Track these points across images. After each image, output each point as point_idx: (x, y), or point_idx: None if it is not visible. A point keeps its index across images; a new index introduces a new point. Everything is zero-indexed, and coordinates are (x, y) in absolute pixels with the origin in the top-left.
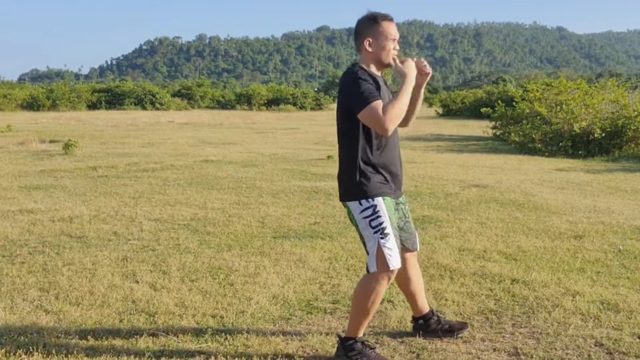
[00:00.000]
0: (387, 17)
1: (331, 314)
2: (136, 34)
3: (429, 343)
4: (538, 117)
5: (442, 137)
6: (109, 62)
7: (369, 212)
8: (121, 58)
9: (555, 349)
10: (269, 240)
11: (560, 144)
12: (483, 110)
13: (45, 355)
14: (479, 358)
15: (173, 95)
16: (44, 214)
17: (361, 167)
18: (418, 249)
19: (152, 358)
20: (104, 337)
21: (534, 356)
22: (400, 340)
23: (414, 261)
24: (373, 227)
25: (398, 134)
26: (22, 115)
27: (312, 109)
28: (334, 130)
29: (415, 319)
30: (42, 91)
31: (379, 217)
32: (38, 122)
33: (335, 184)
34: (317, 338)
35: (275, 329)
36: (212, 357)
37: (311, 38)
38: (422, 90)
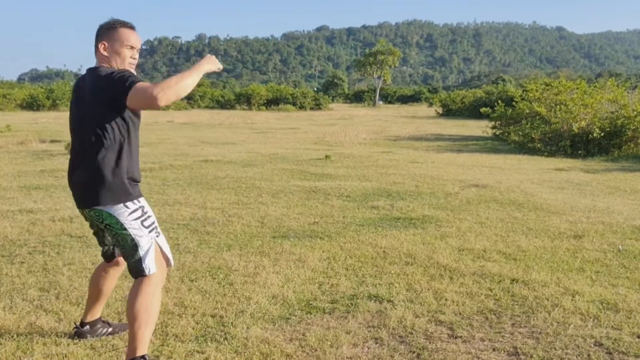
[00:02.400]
0: (126, 25)
1: (330, 314)
2: None
3: (429, 343)
4: (537, 117)
5: (442, 137)
6: None
7: (139, 212)
8: None
9: (555, 348)
10: (268, 240)
11: (560, 143)
12: (483, 110)
13: (45, 355)
14: (478, 358)
15: None
16: (44, 214)
17: (123, 170)
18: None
19: (151, 358)
20: (103, 337)
21: (534, 356)
22: (400, 340)
23: (119, 270)
24: (146, 227)
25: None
26: (22, 115)
27: (311, 108)
28: (333, 130)
29: (81, 324)
30: (42, 91)
31: (149, 216)
32: (38, 122)
33: (334, 183)
34: (317, 338)
35: (274, 328)
36: (212, 357)
37: (311, 38)
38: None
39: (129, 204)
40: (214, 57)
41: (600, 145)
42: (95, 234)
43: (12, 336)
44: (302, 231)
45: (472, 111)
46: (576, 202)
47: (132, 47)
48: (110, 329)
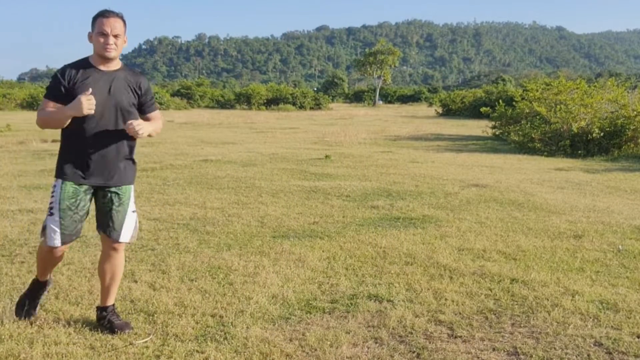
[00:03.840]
0: (101, 14)
1: (330, 314)
2: (135, 33)
3: (429, 343)
4: (537, 117)
5: (442, 136)
6: None
7: (51, 189)
8: (121, 58)
9: (555, 348)
10: (268, 239)
11: (560, 143)
12: (482, 110)
13: (44, 355)
14: (478, 357)
15: (172, 95)
16: (44, 214)
17: (61, 147)
18: (120, 241)
19: (151, 358)
20: (103, 337)
21: (534, 356)
22: (400, 339)
23: (110, 251)
24: (49, 204)
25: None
26: (22, 115)
27: (311, 108)
28: (333, 129)
29: (99, 308)
30: (42, 91)
31: (52, 196)
32: None
33: (334, 183)
34: (316, 337)
35: (274, 328)
36: (212, 357)
37: (311, 38)
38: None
39: (54, 179)
40: (84, 99)
41: (600, 145)
42: None
43: (12, 336)
44: (302, 231)
45: (472, 111)
46: (576, 202)
47: (103, 34)
48: (108, 324)
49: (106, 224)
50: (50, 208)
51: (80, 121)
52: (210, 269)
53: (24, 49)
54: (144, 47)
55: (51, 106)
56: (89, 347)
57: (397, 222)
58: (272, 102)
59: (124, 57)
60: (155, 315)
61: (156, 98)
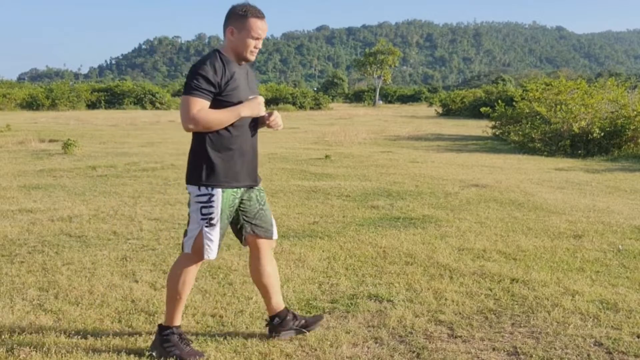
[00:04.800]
0: (257, 14)
1: (330, 314)
2: (135, 33)
3: (429, 342)
4: (537, 117)
5: (442, 136)
6: (109, 62)
7: (204, 199)
8: (120, 57)
9: (555, 348)
10: None
11: (560, 143)
12: (482, 109)
13: (44, 355)
14: (478, 357)
15: (173, 95)
16: (43, 214)
17: (206, 153)
18: (274, 238)
19: (151, 358)
20: (103, 337)
21: (534, 355)
22: (400, 339)
23: (268, 252)
24: (202, 214)
25: (254, 128)
26: (22, 115)
27: (311, 108)
28: (333, 129)
29: (270, 318)
30: (42, 90)
31: (211, 207)
32: (37, 121)
33: (334, 183)
34: (316, 337)
35: None
36: (212, 357)
37: (310, 38)
38: (261, 126)
39: (202, 188)
40: (257, 101)
41: (600, 145)
42: None
43: (12, 335)
44: (301, 231)
45: (472, 111)
46: (576, 201)
47: (257, 38)
48: (303, 322)
49: (258, 226)
50: (210, 219)
51: (236, 122)
52: (210, 269)
53: (24, 49)
54: (144, 47)
55: (203, 106)
56: (89, 347)
57: (397, 222)
58: (272, 102)
59: (124, 57)
60: (156, 315)
61: (156, 98)
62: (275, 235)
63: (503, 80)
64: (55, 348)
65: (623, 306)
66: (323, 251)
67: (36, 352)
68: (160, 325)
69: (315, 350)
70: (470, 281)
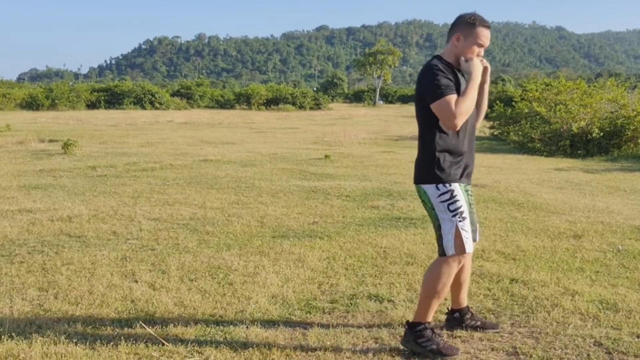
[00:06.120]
0: (484, 24)
1: (329, 314)
2: (135, 33)
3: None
4: (537, 117)
5: None
6: (108, 62)
7: (447, 196)
8: (120, 57)
9: (554, 348)
10: (268, 239)
11: (559, 143)
12: None
13: (43, 355)
14: (477, 357)
15: (172, 95)
16: (43, 214)
17: (437, 153)
18: (477, 240)
19: (151, 358)
20: (103, 337)
21: (533, 356)
22: (400, 340)
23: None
24: (451, 211)
25: (472, 126)
26: (21, 115)
27: (311, 108)
28: (333, 129)
29: (451, 312)
30: (41, 90)
31: (456, 201)
32: (37, 121)
33: (334, 183)
34: (316, 337)
35: (274, 328)
36: (211, 357)
37: (310, 38)
38: (486, 86)
39: (439, 186)
40: (475, 59)
41: (600, 145)
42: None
43: (11, 335)
44: (301, 231)
45: None
46: (576, 202)
47: (481, 46)
48: (479, 323)
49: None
50: (461, 213)
51: (462, 126)
52: (210, 269)
53: (23, 49)
54: (143, 47)
55: (456, 99)
56: (89, 347)
57: (398, 222)
58: (272, 102)
59: (123, 57)
60: (155, 315)
61: (156, 98)
62: (478, 238)
63: (503, 80)
64: (55, 348)
65: (623, 306)
66: (323, 251)
67: (36, 352)
68: (409, 323)
69: (315, 350)
70: (470, 281)
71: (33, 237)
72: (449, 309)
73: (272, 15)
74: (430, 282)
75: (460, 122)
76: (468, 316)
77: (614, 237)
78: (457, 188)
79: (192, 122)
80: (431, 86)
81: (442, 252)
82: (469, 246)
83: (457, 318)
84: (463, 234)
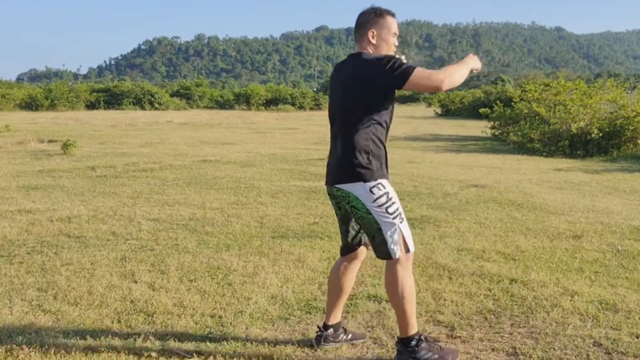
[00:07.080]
0: (390, 13)
1: None
2: (135, 33)
3: None
4: (536, 117)
5: (441, 137)
6: (108, 62)
7: (384, 199)
8: (120, 58)
9: (554, 348)
10: (267, 240)
11: (559, 144)
12: (481, 110)
13: (43, 355)
14: (477, 358)
15: (172, 95)
16: (42, 214)
17: (368, 149)
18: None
19: (150, 358)
20: (102, 337)
21: (533, 356)
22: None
23: (361, 260)
24: (390, 213)
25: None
26: (21, 115)
27: (310, 109)
28: None
29: (325, 326)
30: (41, 91)
31: (394, 202)
32: (36, 122)
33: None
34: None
35: (273, 328)
36: (211, 357)
37: (310, 38)
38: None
39: (374, 189)
40: (476, 57)
41: (599, 146)
42: (340, 220)
43: (11, 336)
44: (301, 231)
45: (471, 111)
46: (575, 202)
47: (395, 34)
48: (349, 336)
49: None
50: (400, 214)
51: (390, 115)
52: (209, 270)
53: (23, 49)
54: (143, 47)
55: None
56: (89, 347)
57: None
58: (272, 103)
59: (123, 58)
60: (155, 316)
61: (155, 98)
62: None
63: (502, 80)
64: (54, 348)
65: (622, 306)
66: (323, 251)
67: (35, 352)
68: (400, 340)
69: (315, 350)
70: (469, 282)
71: (32, 238)
72: (320, 326)
73: (271, 15)
74: (393, 292)
75: (447, 80)
76: (340, 332)
77: (613, 237)
78: (388, 186)
79: (192, 123)
80: (395, 66)
81: (388, 257)
82: (412, 245)
83: (330, 334)
84: (405, 232)
